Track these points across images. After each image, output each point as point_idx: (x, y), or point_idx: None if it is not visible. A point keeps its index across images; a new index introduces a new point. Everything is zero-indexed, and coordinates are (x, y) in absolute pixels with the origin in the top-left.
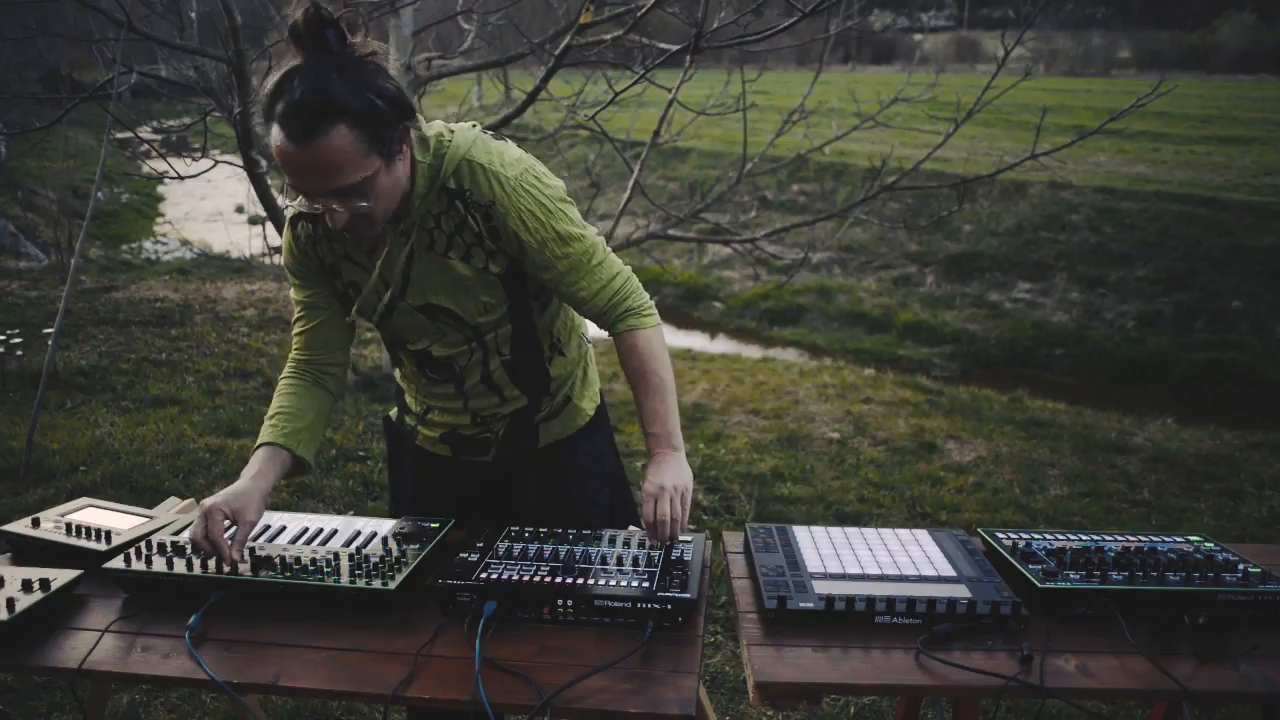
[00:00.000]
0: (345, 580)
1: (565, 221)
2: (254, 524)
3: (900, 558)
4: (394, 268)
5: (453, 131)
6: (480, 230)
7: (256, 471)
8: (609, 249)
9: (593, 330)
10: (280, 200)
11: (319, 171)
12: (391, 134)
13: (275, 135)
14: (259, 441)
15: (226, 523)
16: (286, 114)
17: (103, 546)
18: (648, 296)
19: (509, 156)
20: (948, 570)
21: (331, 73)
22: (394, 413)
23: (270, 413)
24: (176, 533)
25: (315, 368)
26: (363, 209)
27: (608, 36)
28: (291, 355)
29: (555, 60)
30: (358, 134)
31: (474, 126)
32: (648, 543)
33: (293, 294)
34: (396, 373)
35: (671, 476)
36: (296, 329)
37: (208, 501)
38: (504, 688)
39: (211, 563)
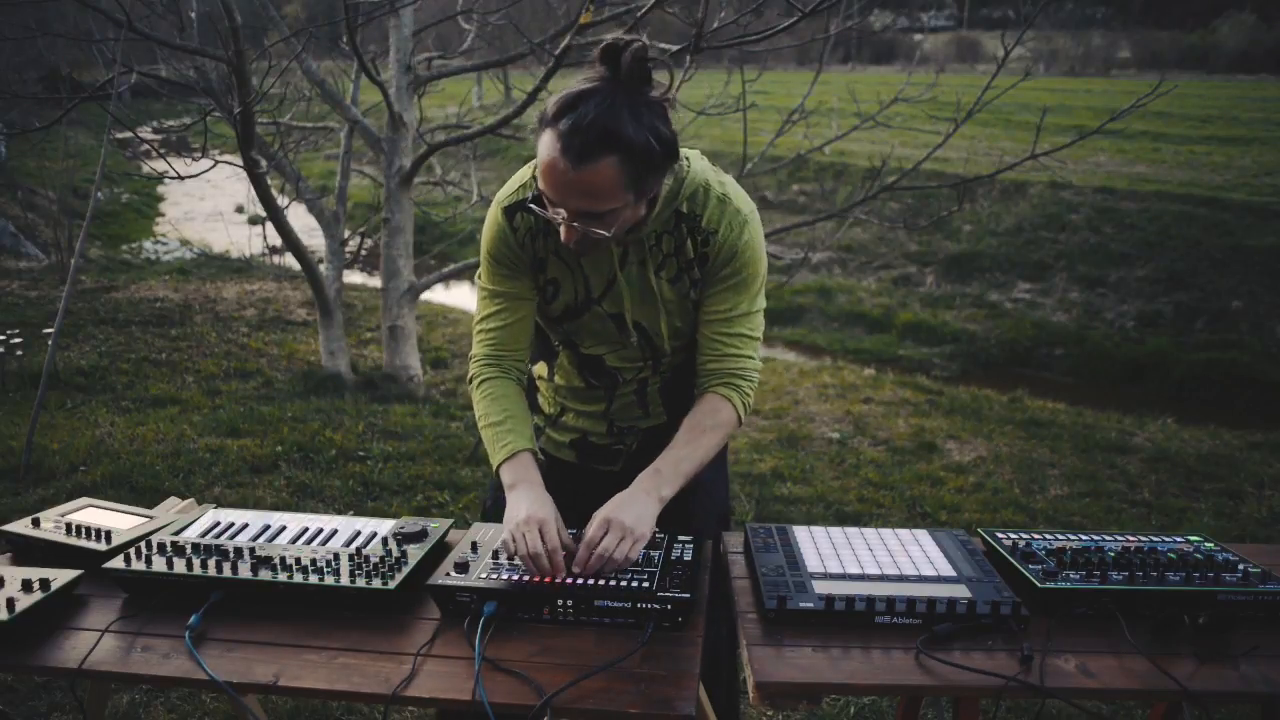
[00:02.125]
0: (345, 580)
1: (758, 280)
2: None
3: (900, 558)
4: (603, 275)
5: (689, 158)
6: (694, 256)
7: (533, 480)
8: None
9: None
10: (280, 200)
11: (577, 194)
12: (654, 175)
13: (548, 146)
14: (509, 449)
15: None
16: (569, 132)
17: (103, 546)
18: (752, 405)
19: (742, 193)
20: (948, 570)
21: (625, 107)
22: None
23: (496, 418)
24: (176, 533)
25: (510, 364)
26: (597, 235)
27: (608, 36)
28: (486, 351)
29: (555, 60)
30: (625, 170)
31: (702, 155)
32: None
33: (489, 284)
34: (536, 368)
35: (635, 516)
36: (494, 323)
37: (535, 514)
38: (504, 688)
39: (211, 563)
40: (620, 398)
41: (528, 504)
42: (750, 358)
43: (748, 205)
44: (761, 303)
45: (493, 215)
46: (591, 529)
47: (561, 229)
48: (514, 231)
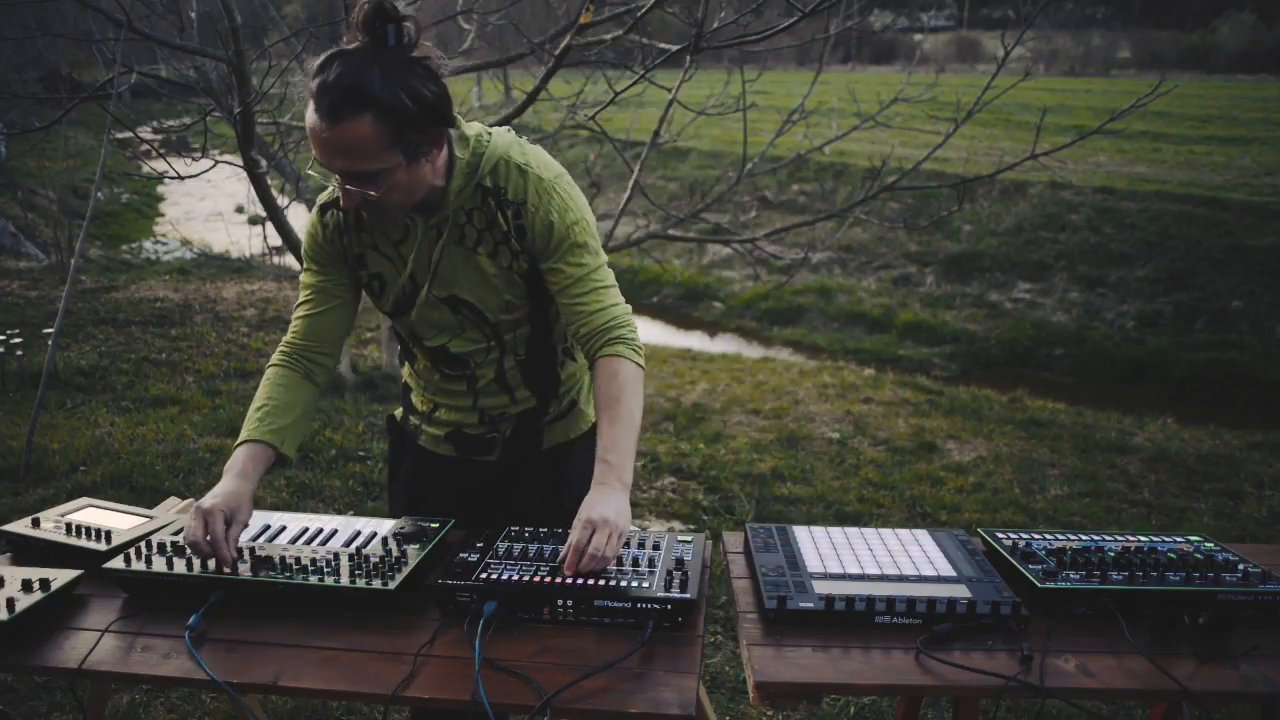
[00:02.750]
0: (345, 580)
1: (586, 234)
2: (246, 524)
3: (900, 558)
4: (424, 259)
5: (490, 133)
6: (509, 228)
7: (241, 470)
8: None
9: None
10: (280, 200)
11: (338, 152)
12: (419, 135)
13: (309, 108)
14: (244, 436)
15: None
16: (319, 91)
17: (103, 546)
18: (641, 340)
19: (545, 159)
20: (948, 570)
21: (374, 65)
22: (398, 412)
23: (257, 403)
24: (176, 533)
25: (307, 357)
26: (371, 197)
27: (608, 36)
28: (286, 339)
29: (555, 60)
30: (382, 127)
31: (509, 130)
32: (648, 543)
33: (304, 278)
34: (405, 370)
35: (614, 510)
36: (300, 312)
37: (205, 503)
38: (504, 688)
39: (211, 563)
40: (481, 385)
41: (212, 493)
42: (615, 304)
43: (551, 171)
44: (602, 255)
45: (312, 213)
46: (575, 533)
47: (341, 196)
48: (324, 228)
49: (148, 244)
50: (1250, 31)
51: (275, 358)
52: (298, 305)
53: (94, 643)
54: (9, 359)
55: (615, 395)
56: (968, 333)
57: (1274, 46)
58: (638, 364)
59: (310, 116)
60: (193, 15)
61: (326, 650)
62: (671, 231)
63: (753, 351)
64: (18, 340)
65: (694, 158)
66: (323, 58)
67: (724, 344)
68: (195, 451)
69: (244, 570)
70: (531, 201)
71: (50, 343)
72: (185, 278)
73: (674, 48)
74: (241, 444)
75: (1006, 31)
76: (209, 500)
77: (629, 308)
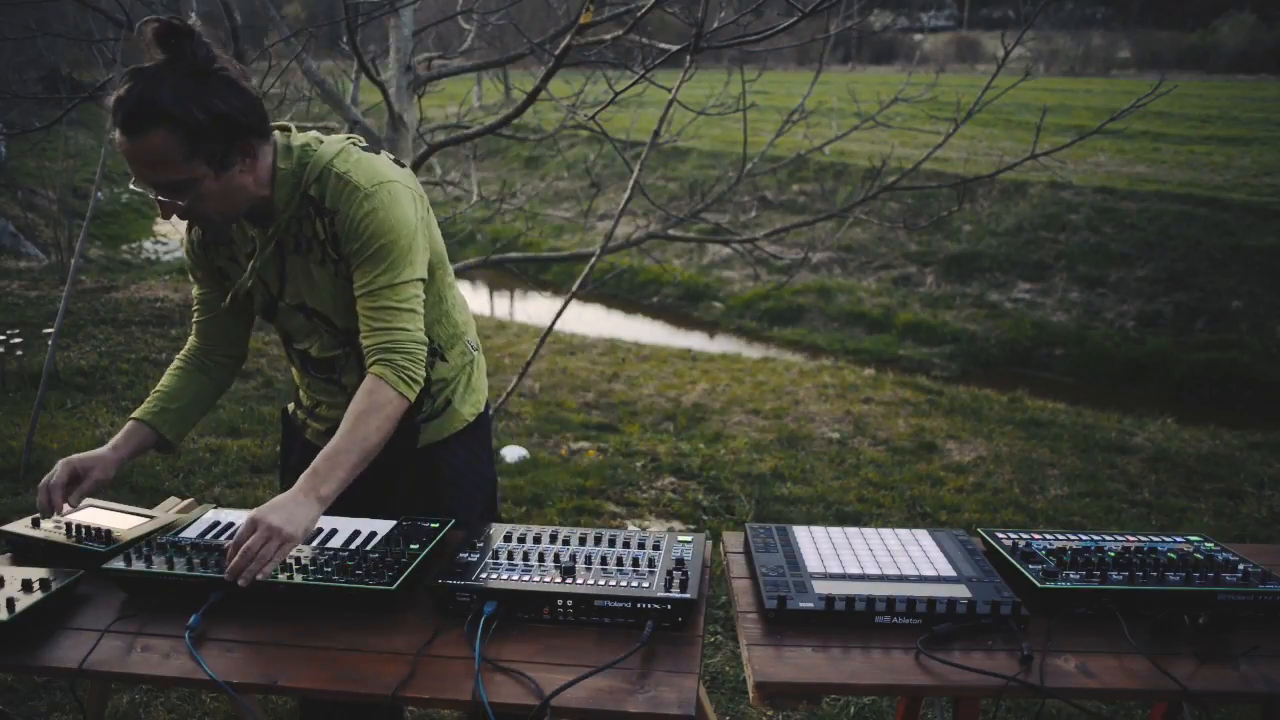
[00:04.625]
0: (345, 580)
1: (393, 249)
2: (97, 483)
3: (900, 558)
4: (271, 269)
5: (321, 141)
6: (325, 237)
7: (115, 443)
8: (422, 312)
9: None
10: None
11: (141, 165)
12: (219, 146)
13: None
14: (133, 414)
15: (71, 478)
16: (114, 107)
17: (103, 546)
18: (420, 377)
19: (373, 169)
20: (948, 570)
21: (165, 80)
22: (291, 407)
23: (155, 388)
24: (176, 533)
25: (203, 355)
26: (179, 207)
27: (608, 36)
28: (188, 341)
29: (555, 60)
30: (176, 139)
31: (348, 139)
32: (648, 543)
33: (193, 290)
34: (293, 367)
35: (285, 516)
36: (194, 318)
37: (66, 458)
38: (504, 688)
39: (211, 563)
40: (348, 386)
41: (80, 454)
42: (401, 329)
43: (373, 180)
44: (409, 274)
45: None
46: (241, 528)
47: (159, 207)
48: (192, 242)
49: (148, 244)
50: (1250, 31)
51: (181, 354)
52: (192, 312)
53: (94, 643)
54: (9, 359)
55: (359, 411)
56: (968, 333)
57: (1274, 46)
58: (399, 392)
59: (111, 131)
60: (193, 15)
61: (326, 650)
62: (671, 231)
63: (753, 351)
64: (18, 340)
65: (694, 158)
66: (123, 74)
67: (724, 344)
68: (195, 451)
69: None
70: (343, 209)
71: (50, 343)
72: (185, 278)
73: (674, 48)
74: (128, 420)
75: (1006, 31)
76: (72, 456)
77: (421, 337)
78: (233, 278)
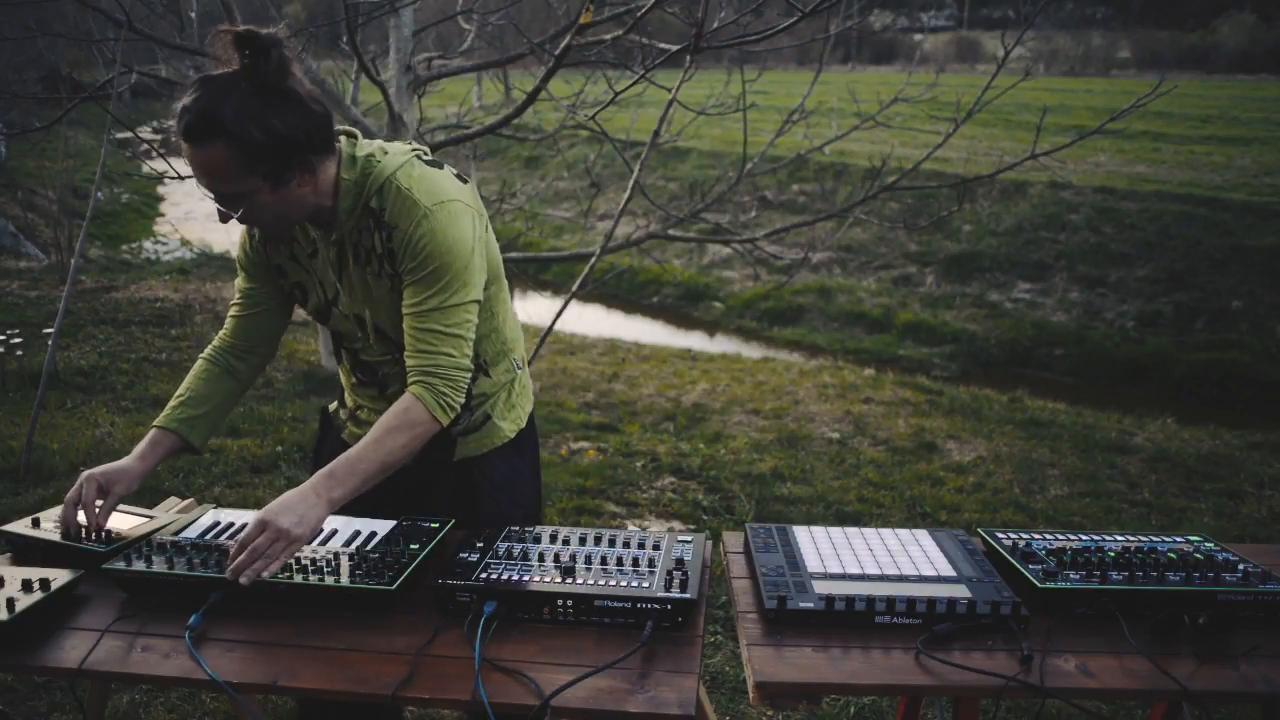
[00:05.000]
0: (345, 580)
1: (447, 271)
2: (121, 499)
3: (900, 558)
4: (331, 275)
5: (386, 153)
6: (382, 251)
7: (140, 452)
8: (473, 336)
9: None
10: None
11: (200, 171)
12: (276, 164)
13: None
14: (156, 422)
15: (98, 493)
16: (180, 113)
17: (103, 547)
18: (458, 404)
19: (435, 187)
20: (948, 570)
21: (231, 94)
22: (333, 406)
23: (178, 393)
24: (176, 533)
25: (234, 354)
26: (237, 216)
27: (608, 36)
28: (218, 336)
29: (555, 60)
30: (234, 155)
31: (413, 150)
32: (648, 543)
33: (237, 282)
34: (340, 368)
35: (295, 519)
36: (232, 313)
37: (88, 471)
38: (504, 688)
39: (211, 563)
40: (390, 392)
41: (103, 466)
42: (445, 354)
43: (433, 198)
44: (461, 297)
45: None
46: (249, 527)
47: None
48: (251, 238)
49: (148, 244)
50: (1250, 31)
51: (205, 351)
52: (230, 306)
53: (94, 643)
54: (9, 359)
55: (389, 426)
56: (968, 333)
57: (1274, 46)
58: (433, 415)
59: (178, 134)
60: (193, 15)
61: (326, 650)
62: (671, 231)
63: (753, 351)
64: (18, 340)
65: (694, 158)
66: (195, 79)
67: (724, 344)
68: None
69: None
70: (402, 225)
71: (50, 343)
72: (185, 278)
73: (674, 48)
74: (152, 429)
75: (1006, 31)
76: (91, 470)
77: (465, 364)
78: (289, 276)
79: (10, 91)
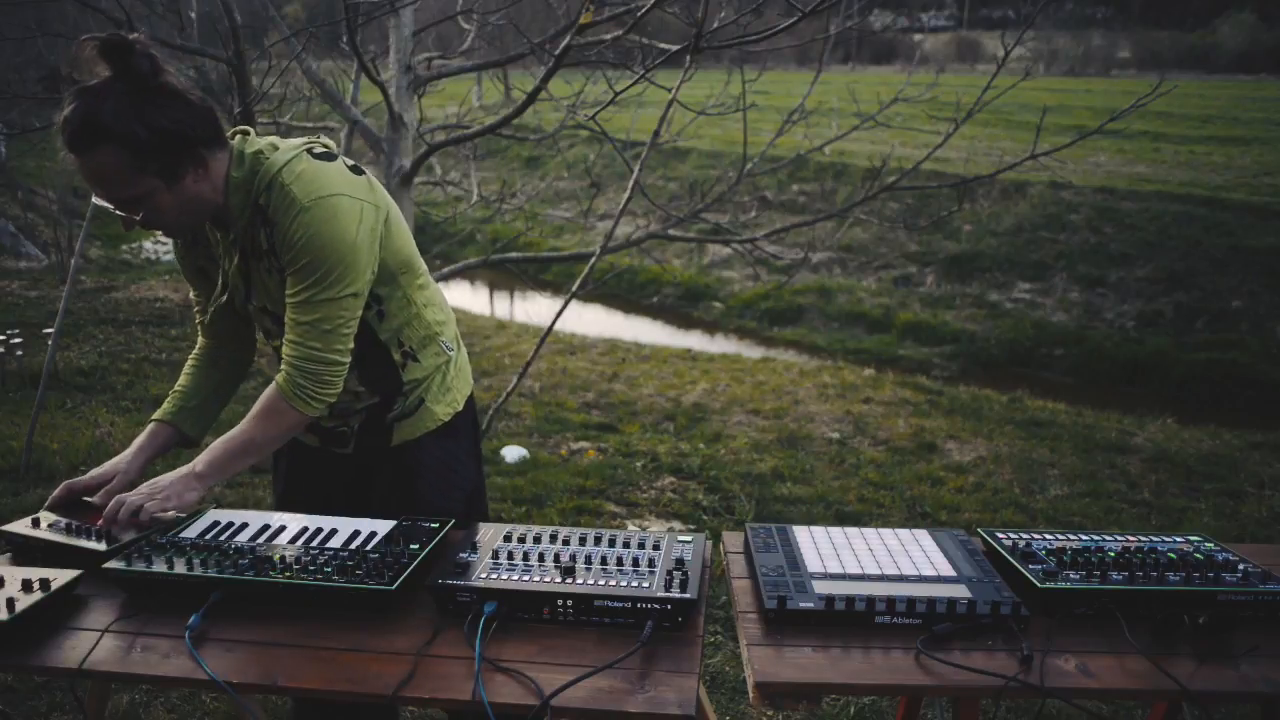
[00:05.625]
0: (345, 580)
1: (319, 266)
2: (124, 486)
3: (900, 558)
4: (239, 272)
5: (276, 148)
6: (267, 247)
7: (138, 447)
8: (348, 329)
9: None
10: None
11: (93, 181)
12: (168, 159)
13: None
14: (153, 415)
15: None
16: (60, 127)
17: (103, 546)
18: (323, 395)
19: (315, 182)
20: (948, 570)
21: (108, 98)
22: None
23: (173, 388)
24: (177, 533)
25: (213, 352)
26: (137, 220)
27: (608, 36)
28: (198, 341)
29: (555, 60)
30: (123, 157)
31: (305, 145)
32: (648, 543)
33: (190, 294)
34: None
35: (162, 485)
36: (195, 320)
37: (100, 468)
38: (504, 688)
39: (211, 563)
40: None
41: (100, 466)
42: (311, 347)
43: (310, 195)
44: (336, 292)
45: None
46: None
47: (120, 220)
48: (176, 245)
49: (148, 244)
50: (1250, 31)
51: (193, 351)
52: (194, 314)
53: (94, 643)
54: (9, 359)
55: (258, 411)
56: (968, 333)
57: (1274, 46)
58: (293, 406)
59: (64, 149)
60: (193, 15)
61: (326, 650)
62: (671, 231)
63: (753, 351)
64: (18, 340)
65: (694, 158)
66: (69, 93)
67: (724, 344)
68: (195, 452)
69: (244, 570)
70: (281, 222)
71: (50, 343)
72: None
73: (674, 48)
74: (150, 423)
75: (1006, 31)
76: (88, 473)
77: (333, 357)
78: (212, 277)
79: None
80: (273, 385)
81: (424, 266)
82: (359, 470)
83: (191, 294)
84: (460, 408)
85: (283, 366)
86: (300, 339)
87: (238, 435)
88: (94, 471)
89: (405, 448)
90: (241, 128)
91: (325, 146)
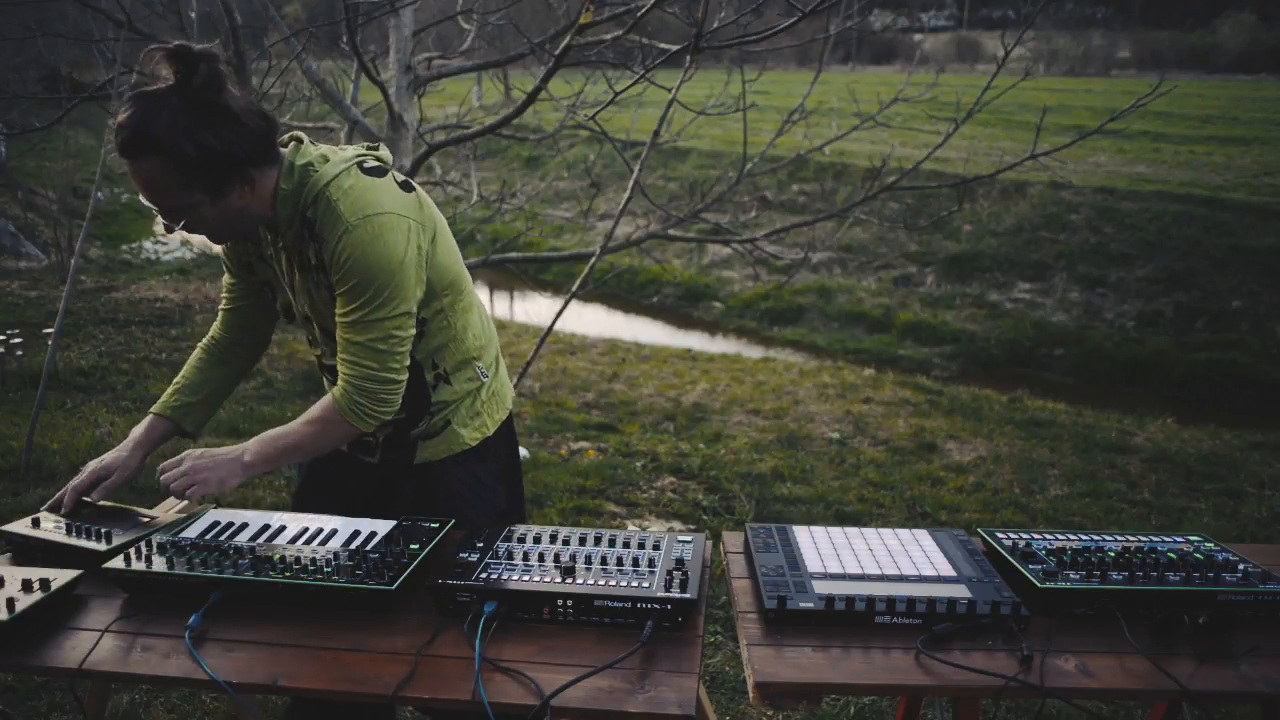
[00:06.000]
0: (345, 580)
1: (366, 287)
2: (122, 479)
3: (900, 558)
4: (287, 278)
5: (327, 160)
6: (315, 262)
7: (135, 440)
8: (402, 348)
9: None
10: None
11: (139, 185)
12: (214, 177)
13: None
14: (152, 408)
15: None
16: (117, 129)
17: (103, 546)
18: (378, 414)
19: (363, 199)
20: (948, 570)
21: (164, 109)
22: None
23: (175, 380)
24: (176, 533)
25: (224, 345)
26: (181, 227)
27: (608, 36)
28: (213, 328)
29: (555, 60)
30: (170, 169)
31: (356, 159)
32: (648, 543)
33: (224, 278)
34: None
35: (208, 460)
36: (221, 306)
37: (93, 463)
38: (504, 688)
39: (211, 563)
40: None
41: (101, 458)
42: (366, 367)
43: (358, 213)
44: (387, 312)
45: None
46: (174, 459)
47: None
48: None
49: (148, 244)
50: (1250, 31)
51: (201, 342)
52: (220, 300)
53: (94, 643)
54: (9, 359)
55: (315, 417)
56: (968, 333)
57: (1274, 46)
58: (347, 419)
59: (116, 149)
60: (193, 15)
61: (326, 650)
62: (671, 231)
63: (753, 351)
64: (18, 340)
65: (694, 158)
66: (131, 94)
67: (724, 344)
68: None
69: (244, 570)
70: (328, 240)
71: (50, 343)
72: (185, 278)
73: (674, 48)
74: (149, 415)
75: (1006, 31)
76: (94, 462)
77: (387, 376)
78: (259, 273)
79: (10, 91)
80: (329, 397)
81: (469, 284)
82: (384, 482)
83: (225, 280)
84: (490, 433)
85: (340, 383)
86: (355, 359)
87: (290, 434)
88: (91, 465)
89: (429, 468)
90: (295, 134)
91: (378, 160)
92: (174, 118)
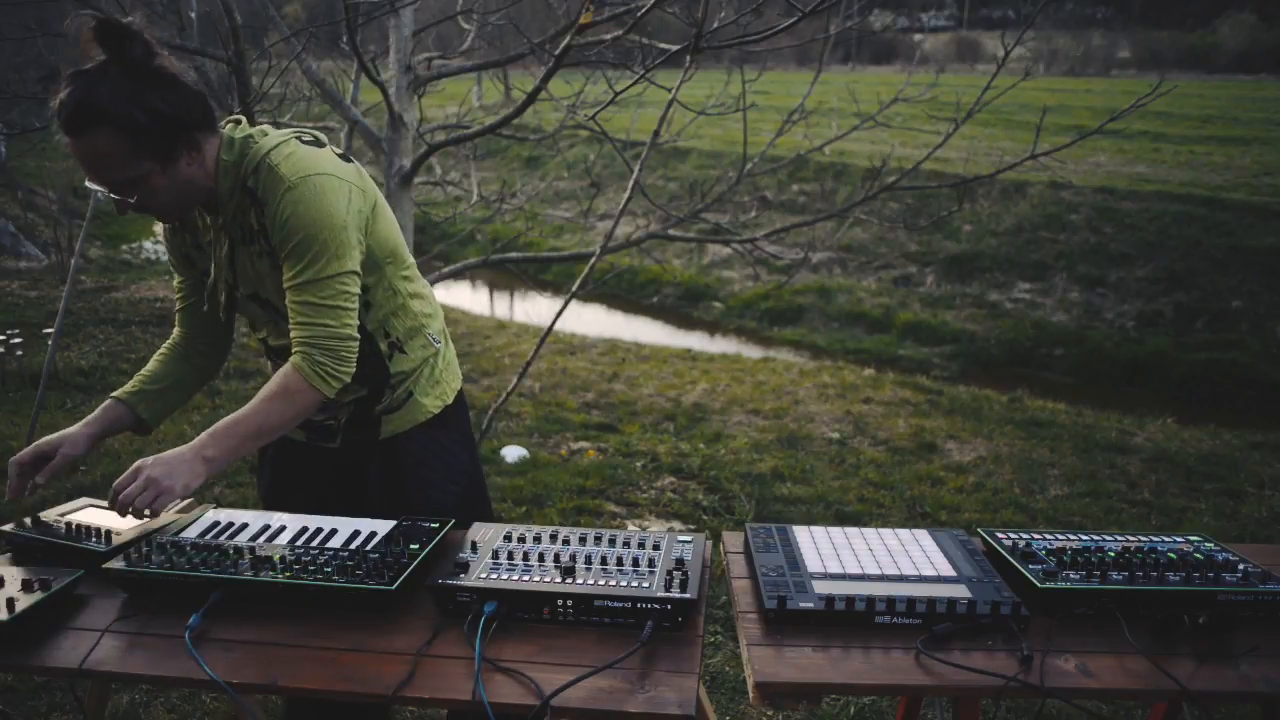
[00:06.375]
0: (345, 580)
1: (313, 243)
2: (71, 457)
3: (900, 558)
4: (225, 259)
5: (266, 134)
6: (257, 228)
7: (89, 420)
8: (352, 304)
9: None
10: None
11: (89, 164)
12: (163, 141)
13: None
14: (112, 393)
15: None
16: (57, 111)
17: (103, 546)
18: (341, 373)
19: (303, 163)
20: (948, 570)
21: (104, 80)
22: None
23: (139, 372)
24: (176, 533)
25: (184, 342)
26: (131, 203)
27: (608, 36)
28: (173, 331)
29: (555, 60)
30: (119, 139)
31: (295, 132)
32: (648, 543)
33: (174, 280)
34: (266, 362)
35: (164, 467)
36: (176, 308)
37: (45, 439)
38: (504, 688)
39: (211, 563)
40: None
41: (53, 435)
42: (322, 324)
43: (300, 173)
44: (335, 269)
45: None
46: (126, 473)
47: (114, 204)
48: (166, 230)
49: (148, 244)
50: (1250, 31)
51: (169, 340)
52: (175, 302)
53: (94, 643)
54: (9, 359)
55: (268, 393)
56: (968, 333)
57: (1274, 46)
58: (312, 385)
59: (59, 133)
60: (193, 15)
61: (326, 650)
62: (671, 231)
63: (753, 351)
64: (18, 340)
65: (694, 158)
66: (66, 76)
67: (724, 344)
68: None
69: (244, 570)
70: (270, 201)
71: (50, 343)
72: None
73: (674, 48)
74: (107, 398)
75: (1006, 31)
76: (43, 439)
77: (346, 332)
78: (198, 265)
79: (10, 91)
80: (288, 366)
81: (411, 260)
82: (348, 467)
83: (175, 281)
84: (450, 401)
85: (298, 349)
86: (311, 319)
87: (248, 416)
88: (39, 442)
89: (395, 441)
90: (234, 117)
91: (314, 135)
92: (117, 86)
